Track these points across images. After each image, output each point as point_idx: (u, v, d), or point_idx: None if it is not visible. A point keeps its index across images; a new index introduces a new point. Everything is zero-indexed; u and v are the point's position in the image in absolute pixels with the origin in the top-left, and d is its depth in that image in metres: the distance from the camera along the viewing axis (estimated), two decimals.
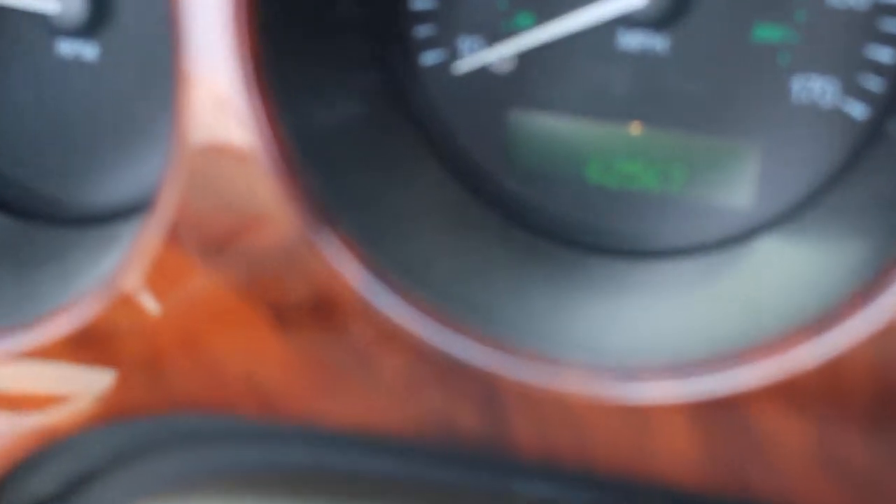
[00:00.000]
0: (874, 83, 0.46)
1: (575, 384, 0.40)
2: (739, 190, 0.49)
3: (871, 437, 0.38)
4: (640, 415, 0.39)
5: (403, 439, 0.42)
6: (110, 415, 0.44)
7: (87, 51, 0.56)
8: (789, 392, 0.39)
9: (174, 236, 0.42)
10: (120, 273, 0.43)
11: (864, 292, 0.37)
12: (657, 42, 0.49)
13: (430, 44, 0.53)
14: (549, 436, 0.40)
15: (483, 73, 0.53)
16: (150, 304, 0.42)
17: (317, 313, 0.42)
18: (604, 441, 0.40)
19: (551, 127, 0.51)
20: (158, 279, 0.43)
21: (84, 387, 0.45)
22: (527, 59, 0.52)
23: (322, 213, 0.41)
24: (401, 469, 0.45)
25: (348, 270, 0.41)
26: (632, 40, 0.49)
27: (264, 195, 0.41)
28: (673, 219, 0.51)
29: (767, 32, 0.48)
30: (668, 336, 0.43)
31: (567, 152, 0.52)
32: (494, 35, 0.51)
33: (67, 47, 0.57)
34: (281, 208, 0.41)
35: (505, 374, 0.40)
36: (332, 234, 0.41)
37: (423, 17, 0.53)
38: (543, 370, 0.40)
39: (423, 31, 0.53)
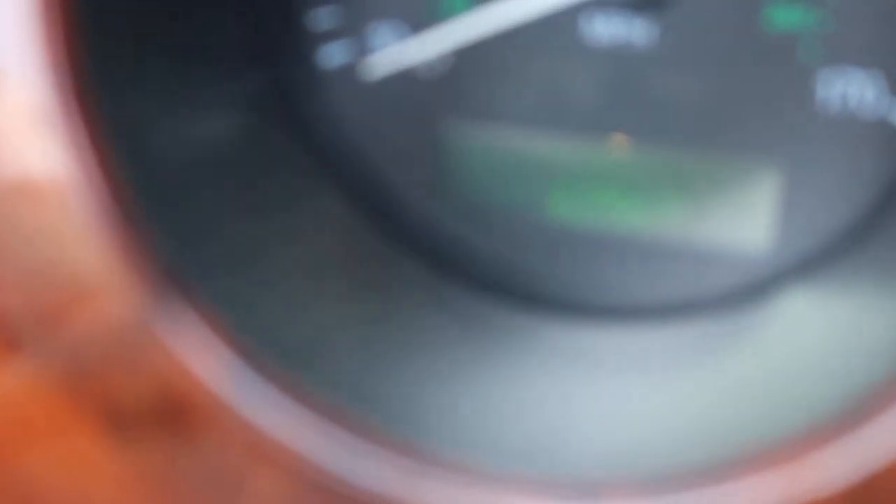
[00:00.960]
0: None
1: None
2: (749, 229, 0.44)
3: None
4: None
5: None
6: None
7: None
8: None
9: None
10: None
11: None
12: (638, 31, 0.44)
13: (330, 36, 0.47)
14: None
15: (404, 76, 0.47)
16: None
17: (164, 418, 0.37)
18: None
19: (499, 144, 0.46)
20: None
21: None
22: (463, 55, 0.46)
23: (172, 279, 0.35)
24: None
25: (208, 359, 0.36)
26: (604, 29, 0.44)
27: (88, 257, 0.34)
28: (662, 270, 0.46)
29: (785, 17, 0.43)
30: (645, 437, 0.38)
31: (521, 179, 0.46)
32: (418, 24, 0.45)
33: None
34: (113, 276, 0.35)
35: (424, 498, 0.35)
36: (185, 309, 0.36)
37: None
38: (476, 491, 0.35)
39: (321, 18, 0.47)
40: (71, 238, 0.34)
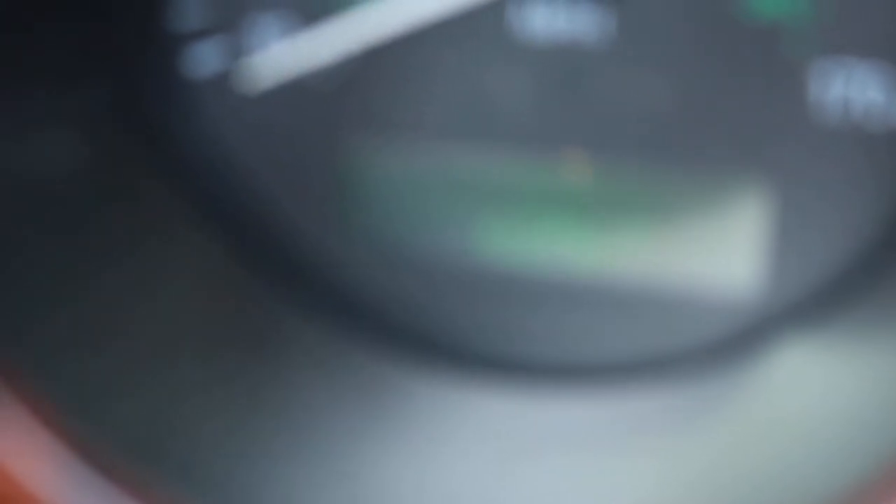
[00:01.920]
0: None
1: None
2: (731, 267, 0.42)
3: None
4: None
5: None
6: None
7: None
8: None
9: None
10: None
11: None
12: (588, 23, 0.41)
13: (198, 36, 0.44)
14: None
15: (293, 84, 0.43)
16: None
17: None
18: None
19: (414, 167, 0.43)
20: None
21: None
22: (367, 57, 0.42)
23: None
24: None
25: (39, 459, 0.34)
26: (546, 21, 0.42)
27: None
28: (622, 322, 0.43)
29: (769, 2, 0.42)
30: None
31: (443, 210, 0.43)
32: (309, 18, 0.42)
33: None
34: None
35: None
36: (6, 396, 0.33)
37: None
38: None
39: (185, 12, 0.43)
40: None
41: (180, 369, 0.39)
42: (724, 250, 0.45)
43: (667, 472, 0.41)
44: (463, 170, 0.45)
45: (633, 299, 0.46)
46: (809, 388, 0.42)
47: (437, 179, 0.46)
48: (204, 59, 0.46)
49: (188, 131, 0.46)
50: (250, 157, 0.47)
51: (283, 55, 0.45)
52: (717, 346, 0.45)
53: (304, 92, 0.45)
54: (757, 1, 0.43)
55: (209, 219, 0.45)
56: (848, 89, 0.43)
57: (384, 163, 0.46)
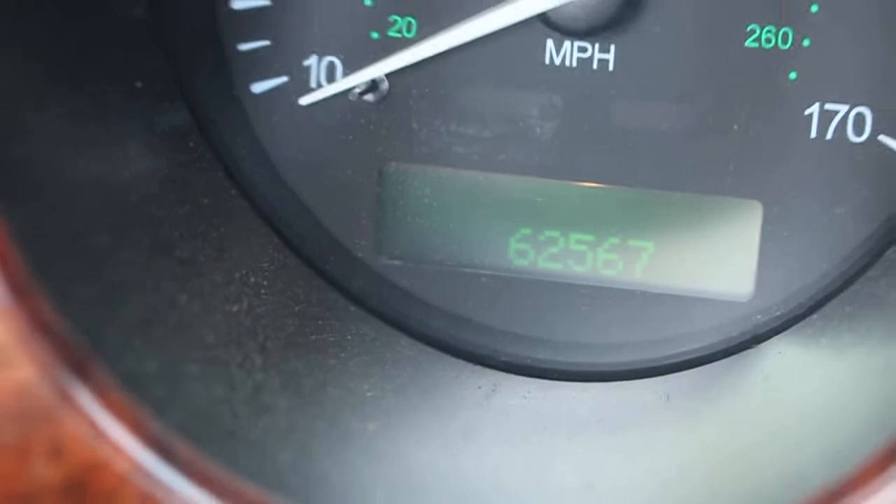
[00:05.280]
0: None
1: None
2: (733, 273, 0.49)
3: None
4: None
5: None
6: None
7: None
8: None
9: None
10: None
11: None
12: (601, 55, 0.49)
13: (261, 62, 0.54)
14: None
15: (343, 106, 0.54)
16: None
17: (74, 501, 0.42)
18: None
19: (448, 185, 0.50)
20: None
21: None
22: (406, 84, 0.52)
23: (74, 353, 0.40)
24: None
25: (118, 439, 0.40)
26: (564, 55, 0.49)
27: None
28: (635, 319, 0.51)
29: (768, 36, 0.49)
30: None
31: (476, 223, 0.50)
32: (359, 49, 0.50)
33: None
34: (9, 348, 0.40)
35: None
36: (89, 385, 0.41)
37: (250, 21, 0.54)
38: None
39: (251, 43, 0.53)
40: None
41: (251, 364, 0.45)
42: (726, 258, 0.50)
43: (668, 453, 0.45)
44: (493, 188, 0.51)
45: (644, 303, 0.51)
46: (801, 381, 0.46)
47: (470, 196, 0.51)
48: (267, 81, 0.53)
49: (254, 150, 0.53)
50: (305, 174, 0.53)
51: (337, 80, 0.52)
52: (719, 344, 0.50)
53: (352, 110, 0.52)
54: (757, 35, 0.49)
55: (269, 225, 0.52)
56: (836, 109, 0.49)
57: (420, 181, 0.52)
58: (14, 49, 0.46)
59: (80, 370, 0.41)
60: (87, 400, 0.41)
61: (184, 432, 0.42)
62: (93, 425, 0.41)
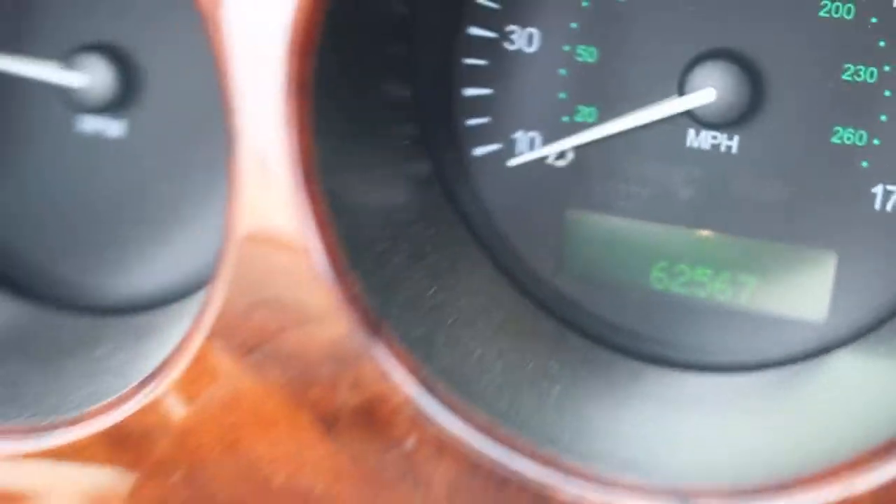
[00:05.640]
0: None
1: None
2: (813, 302, 0.63)
3: None
4: None
5: None
6: None
7: (113, 128, 0.74)
8: None
9: (216, 332, 0.56)
10: (154, 371, 0.56)
11: None
12: (727, 142, 0.62)
13: (482, 133, 0.69)
14: None
15: (539, 167, 0.68)
16: (182, 405, 0.56)
17: (365, 420, 0.55)
18: None
19: (612, 227, 0.66)
20: (196, 378, 0.57)
21: (114, 486, 0.61)
22: (586, 154, 0.67)
23: (371, 316, 0.55)
24: None
25: (398, 379, 0.54)
26: (701, 140, 0.62)
27: (311, 292, 0.54)
28: (740, 331, 0.65)
29: (848, 135, 0.61)
30: (725, 457, 0.55)
31: (629, 256, 0.66)
32: (553, 128, 0.66)
33: (90, 123, 0.75)
34: (329, 309, 0.54)
35: (556, 492, 0.53)
36: (381, 339, 0.55)
37: (476, 104, 0.68)
38: (596, 490, 0.52)
39: (474, 121, 0.68)
40: (301, 276, 0.54)
41: (487, 344, 0.61)
42: (805, 290, 0.63)
43: (757, 427, 0.58)
44: (642, 232, 0.65)
45: (741, 320, 0.65)
46: (853, 381, 0.59)
47: (625, 235, 0.65)
48: (485, 147, 0.67)
49: (473, 191, 0.68)
50: (509, 211, 0.68)
51: (535, 149, 0.66)
52: (794, 353, 0.64)
53: (544, 171, 0.66)
54: (841, 134, 0.61)
55: (487, 250, 0.67)
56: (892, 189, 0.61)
57: (593, 221, 0.66)
58: (343, 130, 0.60)
59: (375, 330, 0.55)
60: (378, 350, 0.55)
61: (442, 376, 0.57)
62: (381, 368, 0.55)
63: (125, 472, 0.62)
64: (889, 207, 0.62)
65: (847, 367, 0.61)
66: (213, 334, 0.58)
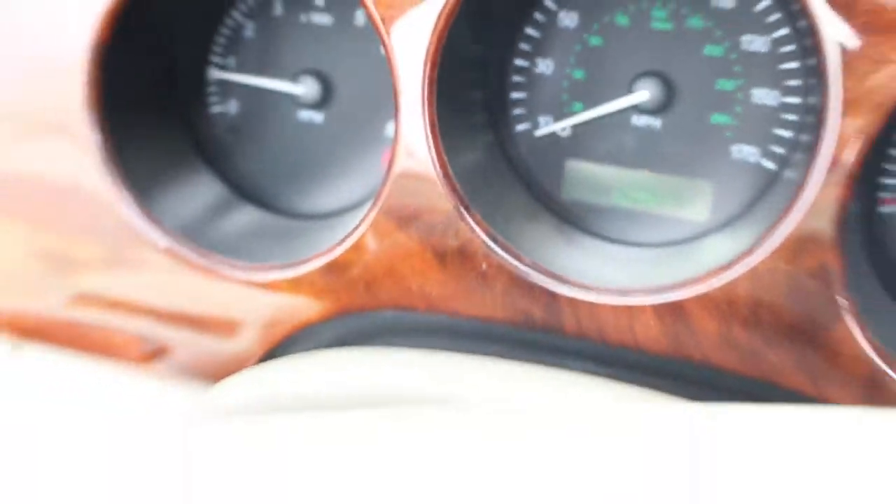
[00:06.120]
0: (779, 150, 0.80)
1: (596, 297, 0.76)
2: (699, 209, 0.83)
3: (749, 329, 0.71)
4: (629, 312, 0.75)
5: (503, 324, 0.76)
6: (342, 311, 0.82)
7: (317, 118, 0.96)
8: (707, 303, 0.71)
9: (386, 213, 0.78)
10: (348, 233, 0.80)
11: (746, 253, 0.70)
12: (654, 122, 0.83)
13: (521, 118, 0.88)
14: (582, 323, 0.76)
15: (552, 137, 0.88)
16: (366, 251, 0.78)
17: (462, 256, 0.77)
18: (610, 327, 0.76)
19: (592, 170, 0.86)
20: (376, 236, 0.78)
21: (324, 294, 0.83)
22: (578, 129, 0.86)
23: (465, 203, 0.77)
24: (495, 351, 0.77)
25: (478, 232, 0.77)
26: (640, 121, 0.84)
27: (435, 198, 0.77)
28: (654, 225, 0.85)
29: (719, 119, 0.82)
30: (646, 278, 0.77)
31: (600, 185, 0.86)
32: (560, 114, 0.87)
33: (304, 115, 0.96)
34: (444, 202, 0.77)
35: (560, 291, 0.76)
36: (470, 214, 0.77)
37: (518, 103, 0.88)
38: (581, 290, 0.76)
39: (517, 111, 0.89)
40: (431, 190, 0.77)
41: (522, 224, 0.85)
42: (697, 202, 0.83)
43: (665, 265, 0.78)
44: (608, 171, 0.86)
45: (661, 219, 0.85)
46: (717, 245, 0.78)
47: (599, 174, 0.87)
48: (523, 126, 0.90)
49: (517, 151, 0.90)
50: (536, 162, 0.89)
51: (549, 126, 0.88)
52: (687, 237, 0.84)
53: (555, 139, 0.89)
54: (715, 118, 0.82)
55: (524, 183, 0.89)
56: (745, 149, 0.81)
57: (581, 167, 0.87)
58: (452, 124, 0.79)
59: (467, 209, 0.77)
60: (468, 218, 0.77)
61: (500, 233, 0.77)
62: (470, 226, 0.76)
63: (331, 290, 0.82)
64: (741, 157, 0.82)
65: (715, 241, 0.82)
66: (383, 212, 0.78)
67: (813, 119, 0.74)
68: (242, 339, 0.87)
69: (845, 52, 0.66)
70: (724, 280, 0.72)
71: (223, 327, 0.88)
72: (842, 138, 0.67)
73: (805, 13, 0.69)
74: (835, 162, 0.68)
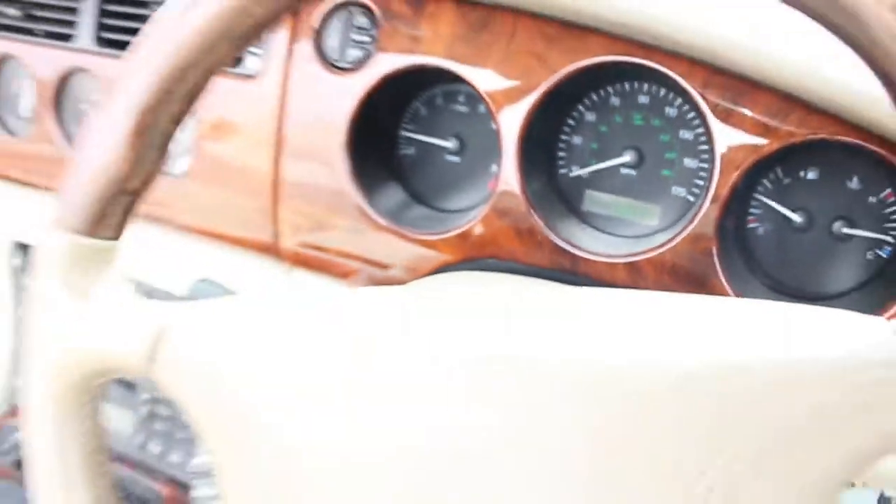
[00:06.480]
0: (695, 190, 1.07)
1: (595, 258, 1.07)
2: (650, 217, 1.11)
3: (671, 277, 1.00)
4: (611, 267, 1.05)
5: (548, 269, 1.06)
6: (464, 259, 1.11)
7: (456, 159, 1.23)
8: (653, 264, 1.03)
9: (491, 209, 1.07)
10: (472, 220, 1.10)
11: (672, 239, 1.01)
12: (633, 172, 1.12)
13: (563, 165, 1.15)
14: (588, 271, 1.06)
15: (579, 176, 1.16)
16: (483, 228, 1.07)
17: (530, 234, 1.06)
18: (602, 274, 1.05)
19: (601, 196, 1.14)
20: (485, 222, 1.08)
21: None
22: (593, 173, 1.15)
23: (533, 209, 1.06)
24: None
25: (539, 224, 1.06)
26: (625, 171, 1.12)
27: (518, 204, 1.07)
28: (633, 225, 1.12)
29: (666, 172, 1.10)
30: (624, 251, 1.06)
31: (604, 204, 1.14)
32: (584, 164, 1.15)
33: (450, 158, 1.24)
34: (523, 207, 1.06)
35: (578, 254, 1.07)
36: (536, 214, 1.06)
37: (562, 157, 1.16)
38: (589, 254, 1.06)
39: (561, 161, 1.16)
40: (516, 196, 1.11)
41: (555, 212, 1.21)
42: (650, 215, 1.11)
43: (625, 247, 1.08)
44: (608, 197, 1.13)
45: (629, 224, 1.12)
46: (660, 237, 1.11)
47: (604, 198, 1.14)
48: (565, 168, 1.17)
49: (559, 182, 1.19)
50: (570, 189, 1.16)
51: (579, 170, 1.15)
52: (643, 234, 1.12)
53: (580, 177, 1.16)
54: (663, 171, 1.12)
55: (562, 200, 1.26)
56: (679, 187, 1.08)
57: (596, 195, 1.14)
58: (532, 168, 1.08)
59: (534, 208, 1.23)
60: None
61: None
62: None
63: (459, 248, 1.10)
64: (676, 193, 1.09)
65: (657, 236, 1.08)
66: (489, 209, 1.07)
67: (709, 175, 1.02)
68: (405, 275, 1.16)
69: (722, 142, 0.98)
70: (661, 251, 1.03)
71: (397, 266, 1.18)
72: (719, 184, 0.99)
73: (705, 125, 1.00)
74: (715, 197, 0.98)
